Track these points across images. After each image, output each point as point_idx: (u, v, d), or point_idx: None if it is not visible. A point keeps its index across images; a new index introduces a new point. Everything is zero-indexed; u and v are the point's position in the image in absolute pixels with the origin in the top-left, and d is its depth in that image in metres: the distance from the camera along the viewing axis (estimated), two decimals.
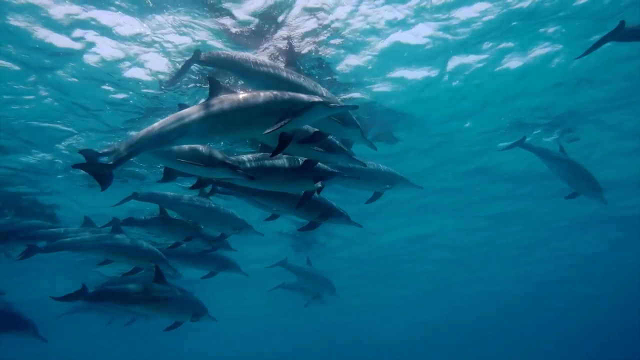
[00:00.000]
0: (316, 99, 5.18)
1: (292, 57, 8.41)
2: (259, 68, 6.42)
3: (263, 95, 5.11)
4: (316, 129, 6.04)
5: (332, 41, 8.36)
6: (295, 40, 8.19)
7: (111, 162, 5.26)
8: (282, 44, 8.22)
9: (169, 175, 6.73)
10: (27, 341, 12.00)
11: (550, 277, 34.49)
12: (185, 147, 5.95)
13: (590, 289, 39.80)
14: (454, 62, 9.36)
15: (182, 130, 5.14)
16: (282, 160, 6.58)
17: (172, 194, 8.90)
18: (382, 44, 8.59)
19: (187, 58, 6.74)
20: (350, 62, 8.96)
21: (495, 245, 24.80)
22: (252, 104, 5.06)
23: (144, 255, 9.16)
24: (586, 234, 23.77)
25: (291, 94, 5.20)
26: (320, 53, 8.58)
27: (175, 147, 5.90)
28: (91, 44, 8.00)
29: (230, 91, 5.28)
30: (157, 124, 5.28)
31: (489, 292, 38.54)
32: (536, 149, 11.13)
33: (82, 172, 12.12)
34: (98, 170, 5.37)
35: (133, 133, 10.20)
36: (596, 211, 11.41)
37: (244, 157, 6.49)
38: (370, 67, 9.18)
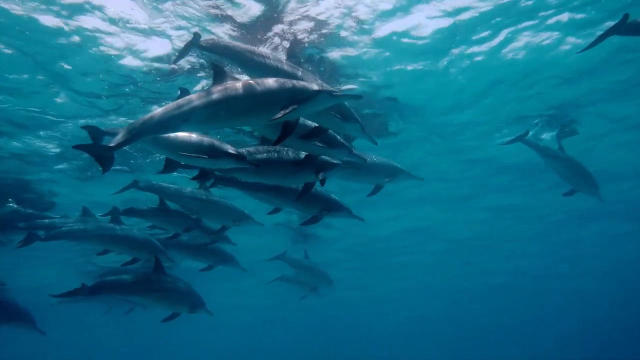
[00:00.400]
0: (321, 87, 5.17)
1: (293, 49, 8.40)
2: (259, 59, 6.43)
3: (267, 82, 5.09)
4: (316, 124, 6.01)
5: (327, 31, 8.30)
6: (291, 29, 8.14)
7: (112, 144, 5.21)
8: (280, 33, 8.16)
9: (170, 167, 6.69)
10: (24, 333, 11.98)
11: (549, 271, 34.51)
12: (188, 138, 5.93)
13: (590, 284, 39.83)
14: (452, 53, 9.30)
15: (186, 116, 5.09)
16: (283, 153, 6.56)
17: (173, 186, 8.89)
18: (379, 33, 8.53)
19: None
20: (347, 52, 8.90)
21: (493, 237, 24.79)
22: (256, 92, 5.02)
23: (142, 246, 9.19)
24: (586, 227, 23.71)
25: (295, 82, 5.18)
26: (316, 42, 8.54)
27: (178, 139, 5.89)
28: (90, 31, 7.93)
29: (234, 78, 5.24)
30: (161, 110, 5.25)
31: (488, 285, 38.61)
32: (536, 146, 11.19)
33: (77, 161, 12.19)
34: (99, 151, 5.33)
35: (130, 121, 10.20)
36: (595, 203, 11.49)
37: (244, 150, 6.46)
38: (366, 58, 9.12)
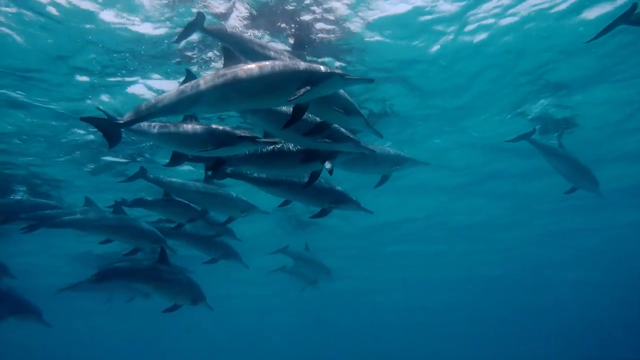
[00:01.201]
0: (333, 70, 5.15)
1: (298, 43, 8.38)
2: (264, 51, 6.46)
3: (280, 64, 5.08)
4: (320, 120, 6.00)
5: (329, 17, 8.31)
6: (297, 18, 8.08)
7: (121, 121, 5.24)
8: (287, 22, 8.15)
9: (177, 159, 6.68)
10: (30, 326, 12.03)
11: (549, 261, 34.51)
12: (201, 129, 5.95)
13: (591, 276, 39.86)
14: (446, 36, 9.24)
15: (196, 98, 5.11)
16: (289, 144, 6.57)
17: (179, 181, 8.92)
18: (375, 17, 8.50)
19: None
20: (339, 36, 8.86)
21: (493, 226, 24.74)
22: (269, 73, 5.01)
23: (144, 236, 9.22)
24: (593, 215, 23.61)
25: (307, 64, 5.16)
26: (319, 29, 8.54)
27: (191, 131, 5.92)
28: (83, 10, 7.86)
29: (245, 61, 5.23)
30: (172, 91, 5.30)
31: (488, 276, 38.70)
32: (540, 145, 11.35)
33: (78, 152, 12.13)
34: (107, 126, 5.33)
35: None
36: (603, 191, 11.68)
37: None
38: (360, 46, 9.13)
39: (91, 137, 11.61)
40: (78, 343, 69.33)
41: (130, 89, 9.87)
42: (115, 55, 8.83)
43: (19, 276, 12.22)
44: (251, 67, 5.03)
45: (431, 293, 46.38)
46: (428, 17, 8.72)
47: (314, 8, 8.01)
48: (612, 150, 15.21)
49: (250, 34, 8.28)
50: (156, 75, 9.55)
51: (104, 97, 10.12)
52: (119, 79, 9.59)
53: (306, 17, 8.17)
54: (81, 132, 11.40)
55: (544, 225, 25.08)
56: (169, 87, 9.70)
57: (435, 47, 9.50)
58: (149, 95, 9.95)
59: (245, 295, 39.86)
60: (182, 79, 8.75)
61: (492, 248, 29.58)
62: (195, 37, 8.30)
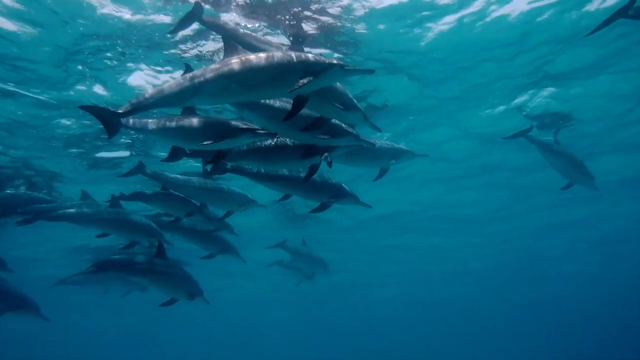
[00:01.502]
0: (334, 61, 5.14)
1: (297, 37, 8.31)
2: (261, 45, 6.41)
3: (280, 55, 5.07)
4: (318, 115, 5.95)
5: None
6: (297, 12, 8.00)
7: (120, 111, 5.23)
8: (286, 15, 8.06)
9: (176, 155, 6.63)
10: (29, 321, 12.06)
11: (548, 254, 34.59)
12: (201, 123, 5.91)
13: (592, 269, 39.94)
14: (443, 28, 9.15)
15: (196, 89, 5.08)
16: (287, 139, 6.53)
17: (177, 176, 8.89)
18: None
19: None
20: (335, 28, 8.78)
21: (488, 219, 24.74)
22: (270, 63, 5.00)
23: (140, 229, 9.22)
24: (590, 207, 23.58)
25: (307, 55, 5.14)
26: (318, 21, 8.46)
27: (193, 125, 5.88)
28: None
29: (245, 52, 5.21)
30: (172, 82, 5.27)
31: (485, 269, 38.80)
32: (537, 142, 11.40)
33: (77, 149, 12.09)
34: (106, 116, 5.32)
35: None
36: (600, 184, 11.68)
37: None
38: (357, 37, 9.08)
39: (86, 129, 11.53)
40: (75, 337, 69.34)
41: (123, 80, 9.79)
42: (108, 44, 8.74)
43: (15, 268, 12.23)
44: (252, 58, 5.02)
45: (428, 286, 46.47)
46: (426, 9, 8.65)
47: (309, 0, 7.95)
48: (611, 143, 15.21)
49: (247, 25, 8.21)
50: (149, 67, 9.48)
51: (97, 89, 10.04)
52: (112, 69, 9.50)
53: (303, 9, 8.10)
54: (74, 126, 11.32)
55: (541, 218, 25.09)
56: (163, 78, 9.66)
57: (432, 39, 9.42)
58: (142, 86, 9.88)
59: (242, 289, 39.88)
60: (176, 71, 8.66)
61: (488, 241, 29.63)
62: (189, 30, 8.23)
